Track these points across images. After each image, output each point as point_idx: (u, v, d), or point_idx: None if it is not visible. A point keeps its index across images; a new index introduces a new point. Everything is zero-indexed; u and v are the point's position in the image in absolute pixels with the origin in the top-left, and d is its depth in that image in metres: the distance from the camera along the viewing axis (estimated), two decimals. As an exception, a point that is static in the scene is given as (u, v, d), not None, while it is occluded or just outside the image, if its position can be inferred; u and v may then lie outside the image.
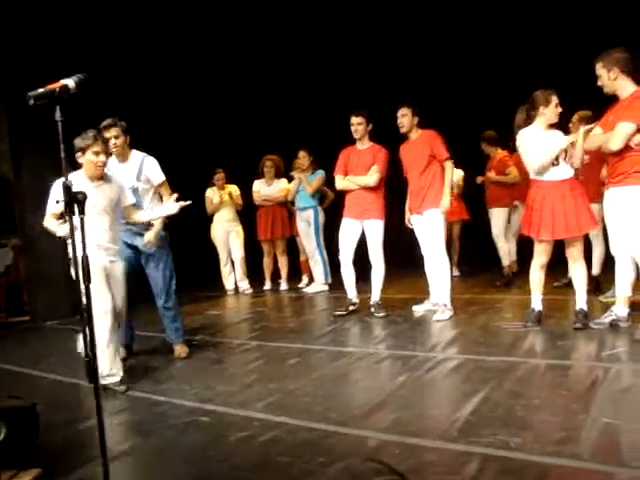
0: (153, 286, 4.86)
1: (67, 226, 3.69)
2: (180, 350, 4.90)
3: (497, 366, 3.98)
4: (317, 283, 7.86)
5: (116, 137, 4.69)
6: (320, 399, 3.62)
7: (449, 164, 5.62)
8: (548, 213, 4.63)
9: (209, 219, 8.06)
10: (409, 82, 8.10)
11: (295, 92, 8.96)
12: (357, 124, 5.78)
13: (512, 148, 6.39)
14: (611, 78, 4.31)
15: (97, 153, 4.06)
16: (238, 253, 8.06)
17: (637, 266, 4.52)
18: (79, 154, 4.06)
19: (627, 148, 4.25)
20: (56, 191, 4.49)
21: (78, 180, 3.91)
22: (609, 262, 4.96)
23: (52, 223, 4.08)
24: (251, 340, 5.09)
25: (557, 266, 5.22)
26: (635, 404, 3.21)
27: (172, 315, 4.92)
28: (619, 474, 2.49)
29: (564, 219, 4.62)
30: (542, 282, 4.90)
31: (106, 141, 4.26)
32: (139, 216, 4.48)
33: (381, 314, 5.81)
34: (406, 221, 5.93)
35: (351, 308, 6.05)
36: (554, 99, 4.65)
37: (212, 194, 8.00)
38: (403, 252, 7.30)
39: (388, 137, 5.88)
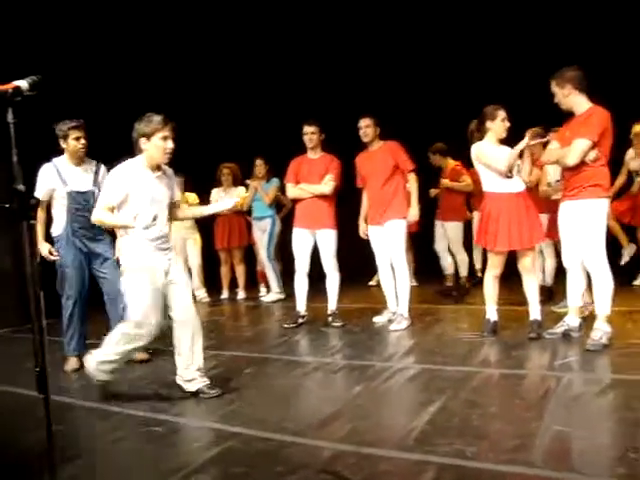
0: (109, 291, 4.75)
1: (126, 216, 3.67)
2: (140, 355, 4.80)
3: (453, 376, 4.01)
4: (273, 292, 7.82)
5: (85, 138, 4.66)
6: (276, 409, 3.60)
7: (414, 176, 5.67)
8: (504, 225, 4.72)
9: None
10: (356, 94, 8.21)
11: (252, 100, 8.92)
12: (311, 133, 5.76)
13: (469, 161, 6.53)
14: (565, 95, 4.41)
15: (166, 138, 3.71)
16: (195, 261, 7.96)
17: (589, 277, 4.61)
18: (143, 140, 3.71)
19: (583, 163, 4.36)
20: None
21: (136, 169, 3.73)
22: (562, 273, 5.05)
23: (107, 215, 3.75)
24: (207, 349, 4.94)
25: (510, 277, 5.29)
26: (586, 412, 3.27)
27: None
28: (571, 481, 2.53)
29: (518, 231, 4.71)
30: (496, 293, 4.97)
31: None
32: (192, 212, 4.43)
33: (338, 324, 5.80)
34: (361, 232, 5.91)
35: (300, 321, 5.96)
36: (500, 114, 4.77)
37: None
38: (356, 262, 7.34)
39: (336, 147, 5.95)
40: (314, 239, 5.86)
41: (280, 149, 6.68)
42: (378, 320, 5.93)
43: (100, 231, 4.74)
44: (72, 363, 4.76)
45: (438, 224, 7.43)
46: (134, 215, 3.66)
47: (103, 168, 4.80)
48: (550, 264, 6.24)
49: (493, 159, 4.77)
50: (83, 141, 4.65)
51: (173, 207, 4.02)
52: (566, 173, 4.57)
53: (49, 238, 4.72)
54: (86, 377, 3.96)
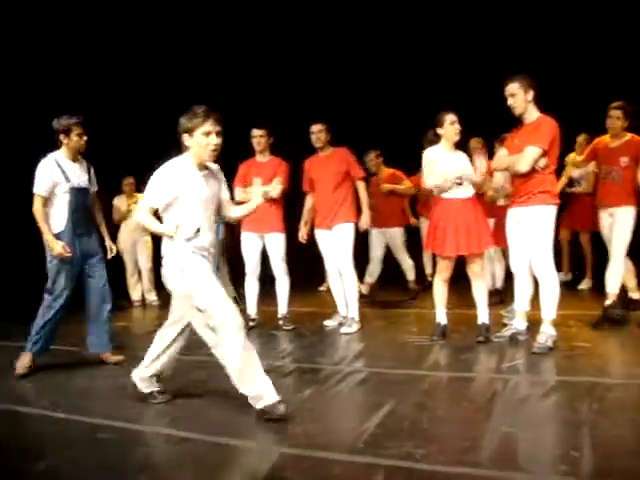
0: (98, 292, 4.75)
1: (170, 224, 3.48)
2: (114, 357, 4.82)
3: (402, 379, 4.05)
4: None
5: (85, 134, 4.61)
6: (226, 413, 3.56)
7: (363, 183, 5.77)
8: (452, 230, 4.78)
9: (116, 227, 7.80)
10: (303, 100, 8.24)
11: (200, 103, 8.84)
12: (259, 136, 5.75)
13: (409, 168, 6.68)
14: (526, 100, 4.49)
15: (208, 133, 3.42)
16: (145, 264, 7.85)
17: (536, 282, 4.71)
18: (186, 136, 3.45)
19: (533, 170, 4.46)
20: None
21: (183, 167, 3.47)
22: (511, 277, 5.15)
23: (151, 221, 3.55)
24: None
25: (460, 281, 5.37)
26: (531, 413, 3.35)
27: (111, 321, 4.87)
28: (516, 479, 2.59)
29: (466, 236, 4.78)
30: (446, 297, 5.04)
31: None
32: (234, 212, 3.99)
33: (289, 327, 5.80)
34: (300, 236, 5.91)
35: (250, 324, 5.85)
36: (447, 118, 4.82)
37: (120, 202, 7.76)
38: (306, 266, 7.34)
39: (285, 151, 5.95)
40: (263, 243, 5.84)
41: (230, 152, 6.60)
42: (329, 324, 5.93)
43: (92, 228, 4.78)
44: (26, 361, 4.55)
45: (374, 232, 7.20)
46: (178, 222, 3.46)
47: (92, 167, 4.81)
48: (500, 268, 6.37)
49: (429, 172, 4.87)
50: (85, 137, 4.60)
51: (221, 207, 3.79)
52: (516, 180, 4.67)
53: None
54: (34, 381, 3.85)
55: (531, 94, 4.48)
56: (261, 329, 5.89)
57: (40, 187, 4.48)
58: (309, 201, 5.88)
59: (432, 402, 3.60)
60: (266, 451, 3.01)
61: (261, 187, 3.92)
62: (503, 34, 7.57)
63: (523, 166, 4.46)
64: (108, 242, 5.01)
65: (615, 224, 5.34)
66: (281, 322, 5.86)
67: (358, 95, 8.53)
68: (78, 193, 4.58)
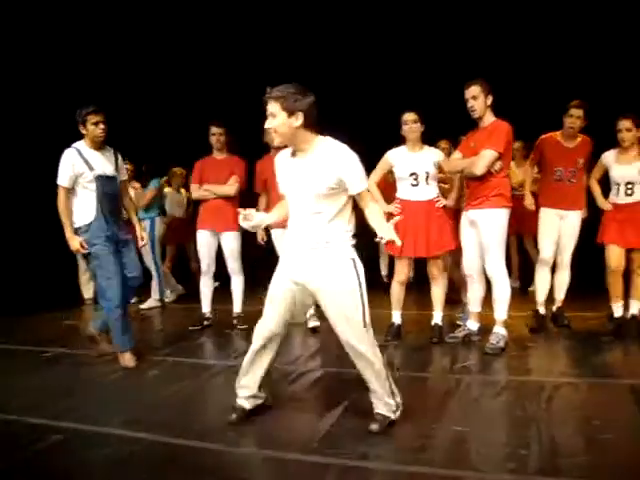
0: (131, 282, 4.68)
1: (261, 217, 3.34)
2: (131, 359, 4.59)
3: (357, 379, 4.05)
4: (152, 299, 7.26)
5: (104, 123, 4.53)
6: (180, 413, 3.53)
7: None
8: (411, 232, 4.82)
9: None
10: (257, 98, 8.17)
11: (157, 99, 8.71)
12: (219, 134, 5.69)
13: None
14: (487, 104, 4.56)
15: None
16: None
17: (489, 284, 4.78)
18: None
19: (488, 173, 4.54)
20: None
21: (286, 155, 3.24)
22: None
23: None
24: (111, 352, 4.84)
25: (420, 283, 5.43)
26: (483, 412, 3.41)
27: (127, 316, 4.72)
28: (467, 477, 2.65)
29: (425, 238, 4.83)
30: (402, 298, 5.08)
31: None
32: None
33: (243, 327, 5.75)
34: (259, 238, 5.80)
35: (205, 323, 5.87)
36: (403, 119, 4.88)
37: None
38: (262, 265, 7.29)
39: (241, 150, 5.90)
40: (218, 240, 5.79)
41: (187, 150, 6.53)
42: None
43: (121, 217, 4.78)
44: (128, 358, 4.56)
45: None
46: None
47: (120, 155, 4.75)
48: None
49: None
50: (102, 126, 4.51)
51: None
52: (471, 183, 4.74)
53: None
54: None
55: (490, 98, 4.55)
56: (215, 328, 5.84)
57: (62, 178, 4.46)
58: (263, 202, 5.79)
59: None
60: (220, 451, 2.99)
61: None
62: (467, 38, 7.64)
63: (479, 169, 4.52)
64: (139, 231, 4.93)
65: (568, 228, 5.17)
66: (235, 321, 5.83)
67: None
68: (105, 181, 4.52)
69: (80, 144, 4.54)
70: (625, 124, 4.89)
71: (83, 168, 4.45)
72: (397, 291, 5.07)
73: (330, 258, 3.09)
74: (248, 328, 5.64)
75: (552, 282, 5.30)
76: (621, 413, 3.33)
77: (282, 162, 3.24)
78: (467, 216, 4.76)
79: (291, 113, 2.96)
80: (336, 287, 3.08)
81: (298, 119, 2.97)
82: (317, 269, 3.11)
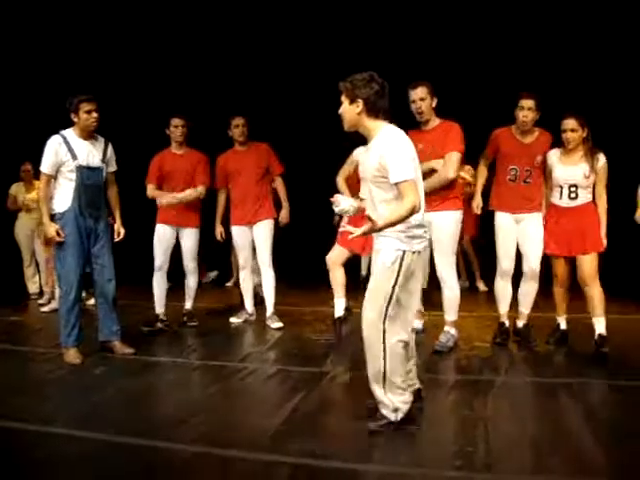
0: (102, 274, 4.62)
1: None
2: (123, 347, 4.66)
3: (307, 377, 4.07)
4: (56, 299, 6.31)
5: (97, 111, 4.46)
6: (127, 411, 3.48)
7: (281, 179, 5.74)
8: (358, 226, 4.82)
9: (13, 216, 7.41)
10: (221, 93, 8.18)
11: (113, 90, 8.54)
12: (181, 126, 5.49)
13: None
14: (432, 106, 4.56)
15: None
16: (43, 255, 7.50)
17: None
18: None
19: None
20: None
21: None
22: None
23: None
24: (53, 349, 4.72)
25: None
26: (432, 411, 3.42)
27: (117, 305, 4.73)
28: (414, 474, 2.69)
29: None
30: (342, 282, 5.16)
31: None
32: None
33: (194, 323, 5.71)
34: (218, 234, 5.77)
35: (159, 326, 5.52)
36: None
37: (17, 189, 7.35)
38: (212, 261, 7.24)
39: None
40: (176, 236, 5.63)
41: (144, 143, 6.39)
42: (234, 321, 5.85)
43: (103, 210, 4.65)
44: (73, 355, 4.45)
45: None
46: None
47: (111, 146, 4.67)
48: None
49: (341, 170, 5.18)
50: (95, 114, 4.44)
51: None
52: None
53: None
54: None
55: (435, 100, 4.56)
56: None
57: (45, 165, 4.41)
58: (223, 198, 5.75)
59: (335, 399, 3.65)
60: (170, 450, 2.95)
61: None
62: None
63: (452, 172, 4.50)
64: (117, 225, 4.82)
65: (528, 232, 4.72)
66: (185, 318, 5.76)
67: (272, 90, 8.46)
68: (87, 172, 4.44)
69: (68, 132, 4.47)
70: (569, 124, 4.48)
71: (66, 157, 4.39)
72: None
73: (378, 247, 3.14)
74: (197, 325, 5.63)
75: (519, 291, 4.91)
76: (562, 412, 3.41)
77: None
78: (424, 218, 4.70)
79: (352, 100, 3.09)
80: (375, 276, 3.11)
81: (358, 106, 3.07)
82: (374, 258, 3.20)
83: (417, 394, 3.31)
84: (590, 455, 2.83)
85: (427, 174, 4.32)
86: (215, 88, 8.52)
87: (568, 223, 4.59)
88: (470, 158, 7.10)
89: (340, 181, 5.12)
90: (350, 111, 3.12)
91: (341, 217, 4.96)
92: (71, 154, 4.40)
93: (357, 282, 7.54)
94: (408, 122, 4.60)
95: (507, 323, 4.95)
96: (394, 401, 3.09)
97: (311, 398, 3.63)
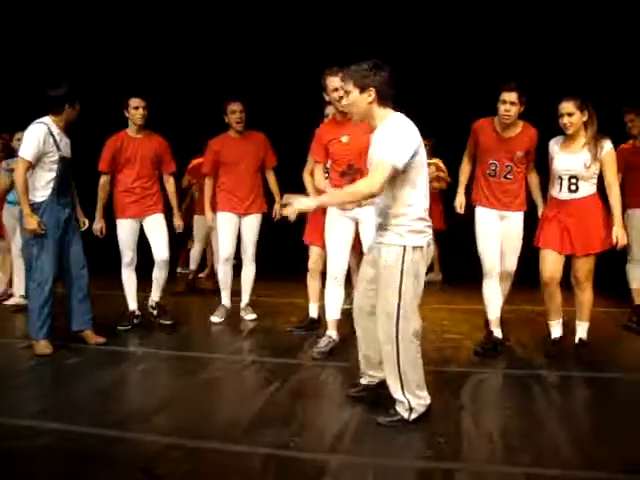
0: (77, 262, 4.56)
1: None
2: (95, 337, 4.62)
3: (280, 368, 4.07)
4: (16, 295, 6.06)
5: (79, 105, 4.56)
6: (98, 402, 3.45)
7: (273, 173, 5.51)
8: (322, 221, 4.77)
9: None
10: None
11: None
12: (142, 108, 4.98)
13: None
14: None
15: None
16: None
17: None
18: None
19: None
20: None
21: None
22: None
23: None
24: (25, 339, 4.66)
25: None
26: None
27: (89, 293, 4.66)
28: (388, 465, 2.71)
29: None
30: (317, 290, 5.02)
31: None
32: None
33: (167, 322, 5.32)
34: (210, 221, 5.53)
35: (135, 322, 5.21)
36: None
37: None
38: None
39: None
40: (140, 227, 5.21)
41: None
42: (216, 320, 5.42)
43: (73, 199, 4.68)
44: (43, 345, 4.35)
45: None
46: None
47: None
48: None
49: None
50: (77, 107, 4.51)
51: None
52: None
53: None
54: None
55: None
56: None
57: (28, 152, 4.25)
58: (212, 185, 5.47)
59: (308, 391, 3.65)
60: (141, 442, 2.94)
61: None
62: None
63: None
64: (80, 214, 4.83)
65: (509, 231, 4.45)
66: (155, 312, 5.39)
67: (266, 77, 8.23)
68: (66, 163, 4.44)
69: (48, 121, 4.37)
70: (565, 107, 4.05)
71: (52, 147, 4.32)
72: (314, 283, 5.03)
73: (379, 240, 3.11)
74: (169, 318, 5.46)
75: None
76: (534, 404, 3.46)
77: None
78: (350, 214, 4.32)
79: (363, 89, 3.00)
80: (381, 276, 3.07)
81: (370, 95, 3.00)
82: (374, 250, 3.16)
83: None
84: (561, 447, 2.87)
85: None
86: (195, 70, 8.29)
87: (568, 218, 4.18)
88: (444, 152, 7.15)
89: (306, 174, 4.87)
90: (362, 101, 3.03)
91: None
92: (56, 145, 4.34)
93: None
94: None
95: (496, 332, 4.48)
96: (410, 401, 3.07)
97: (284, 389, 3.63)
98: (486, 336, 4.51)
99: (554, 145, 4.26)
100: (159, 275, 5.28)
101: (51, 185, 4.36)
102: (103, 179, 5.11)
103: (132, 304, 5.28)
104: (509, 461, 2.74)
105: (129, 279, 5.25)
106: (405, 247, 2.99)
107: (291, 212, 3.04)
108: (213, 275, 7.14)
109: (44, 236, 4.29)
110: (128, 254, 5.18)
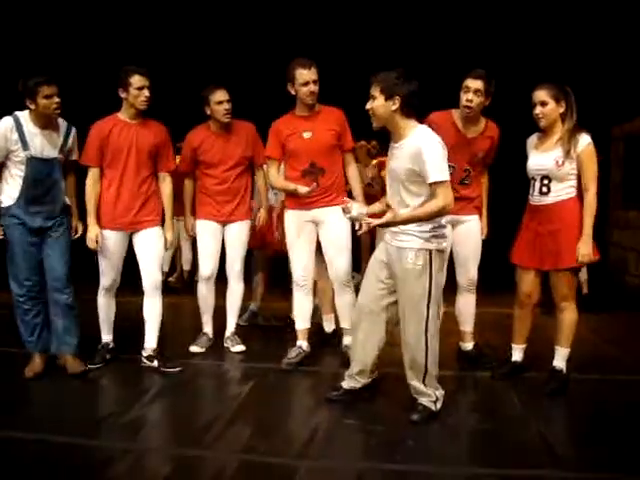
0: (53, 277, 3.91)
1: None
2: (75, 364, 3.95)
3: (251, 373, 4.04)
4: None
5: (58, 96, 3.75)
6: (49, 408, 3.43)
7: (262, 171, 4.59)
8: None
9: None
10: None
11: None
12: (148, 88, 4.00)
13: None
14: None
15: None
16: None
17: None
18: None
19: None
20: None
21: None
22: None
23: None
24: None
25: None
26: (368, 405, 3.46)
27: (74, 314, 3.99)
28: (335, 467, 2.76)
29: None
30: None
31: None
32: None
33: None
34: (190, 229, 4.56)
35: (108, 357, 4.20)
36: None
37: None
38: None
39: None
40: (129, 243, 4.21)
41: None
42: (196, 350, 4.50)
43: (56, 205, 3.92)
44: (33, 365, 3.90)
45: None
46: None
47: (74, 131, 4.00)
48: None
49: None
50: (56, 99, 3.75)
51: None
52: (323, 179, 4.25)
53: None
54: None
55: None
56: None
57: None
58: (192, 186, 4.56)
59: (278, 396, 3.63)
60: (103, 448, 2.92)
61: None
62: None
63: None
64: (75, 221, 4.10)
65: (467, 238, 4.01)
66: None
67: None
68: (38, 164, 3.78)
69: (23, 115, 3.79)
70: (538, 95, 3.55)
71: (16, 145, 3.75)
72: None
73: (400, 245, 3.13)
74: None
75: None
76: (502, 404, 3.50)
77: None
78: (308, 215, 4.10)
79: (389, 97, 3.02)
80: (407, 280, 3.14)
81: (395, 103, 3.02)
82: (392, 252, 3.19)
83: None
84: (530, 446, 2.92)
85: None
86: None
87: (539, 226, 3.64)
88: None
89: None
90: (385, 107, 3.05)
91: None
92: (22, 142, 3.74)
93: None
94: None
95: (469, 346, 4.21)
96: (435, 392, 3.22)
97: (253, 394, 3.61)
98: (458, 352, 4.25)
99: (529, 142, 3.78)
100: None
101: (18, 188, 3.80)
102: (92, 176, 4.07)
103: (106, 335, 4.26)
104: (477, 462, 2.78)
105: (108, 306, 4.23)
106: (432, 251, 3.08)
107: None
108: (182, 277, 7.21)
109: (12, 243, 3.83)
110: (109, 276, 4.15)
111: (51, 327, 3.99)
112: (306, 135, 3.96)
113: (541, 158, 3.60)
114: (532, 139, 3.76)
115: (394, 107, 3.03)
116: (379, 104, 3.06)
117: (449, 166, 3.58)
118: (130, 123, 4.02)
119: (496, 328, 4.78)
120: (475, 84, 3.70)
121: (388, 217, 2.97)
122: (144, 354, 4.11)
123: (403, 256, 3.09)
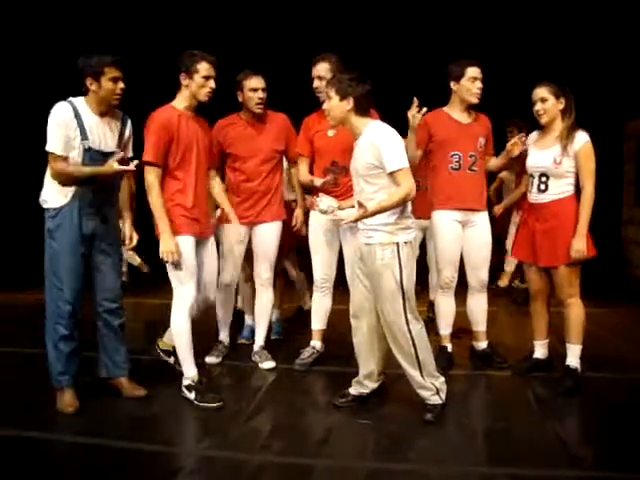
0: (106, 297, 3.47)
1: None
2: (132, 387, 3.55)
3: (263, 372, 4.05)
4: None
5: (123, 80, 3.30)
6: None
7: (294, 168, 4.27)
8: None
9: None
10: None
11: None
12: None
13: None
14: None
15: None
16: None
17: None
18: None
19: None
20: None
21: None
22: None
23: None
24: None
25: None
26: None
27: (123, 334, 3.59)
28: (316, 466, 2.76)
29: None
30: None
31: None
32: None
33: None
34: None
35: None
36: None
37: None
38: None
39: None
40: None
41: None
42: (212, 361, 4.21)
43: (112, 207, 3.47)
44: (69, 398, 3.32)
45: None
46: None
47: (130, 123, 3.50)
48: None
49: None
50: (122, 85, 3.28)
51: None
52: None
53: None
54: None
55: None
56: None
57: (54, 143, 3.19)
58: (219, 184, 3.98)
59: (293, 396, 3.63)
60: (112, 447, 2.94)
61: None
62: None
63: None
64: (128, 228, 3.61)
65: (477, 236, 3.96)
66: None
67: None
68: (98, 158, 3.28)
69: (79, 101, 3.28)
70: (539, 93, 3.61)
71: (74, 133, 3.22)
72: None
73: (368, 241, 3.19)
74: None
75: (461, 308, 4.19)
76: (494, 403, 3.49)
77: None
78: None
79: (343, 97, 3.14)
80: (378, 275, 3.17)
81: (349, 104, 3.13)
82: (364, 249, 3.23)
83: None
84: (546, 445, 2.91)
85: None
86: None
87: (537, 223, 3.69)
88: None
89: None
90: (340, 107, 3.17)
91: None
92: (81, 131, 3.23)
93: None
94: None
95: (450, 347, 4.13)
96: (435, 384, 3.22)
97: (270, 393, 3.64)
98: (439, 353, 4.01)
99: (530, 140, 3.80)
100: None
101: (72, 187, 3.28)
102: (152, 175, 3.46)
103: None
104: (457, 459, 2.79)
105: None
106: (398, 244, 3.12)
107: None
108: None
109: (59, 253, 3.28)
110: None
111: (99, 349, 3.55)
112: (331, 133, 3.93)
113: (539, 155, 3.66)
114: (532, 136, 3.81)
115: (348, 107, 3.16)
116: (334, 104, 3.19)
117: (453, 155, 3.84)
118: (190, 115, 3.52)
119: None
120: (475, 71, 3.84)
121: (359, 213, 3.02)
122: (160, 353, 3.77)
123: (372, 252, 3.15)
